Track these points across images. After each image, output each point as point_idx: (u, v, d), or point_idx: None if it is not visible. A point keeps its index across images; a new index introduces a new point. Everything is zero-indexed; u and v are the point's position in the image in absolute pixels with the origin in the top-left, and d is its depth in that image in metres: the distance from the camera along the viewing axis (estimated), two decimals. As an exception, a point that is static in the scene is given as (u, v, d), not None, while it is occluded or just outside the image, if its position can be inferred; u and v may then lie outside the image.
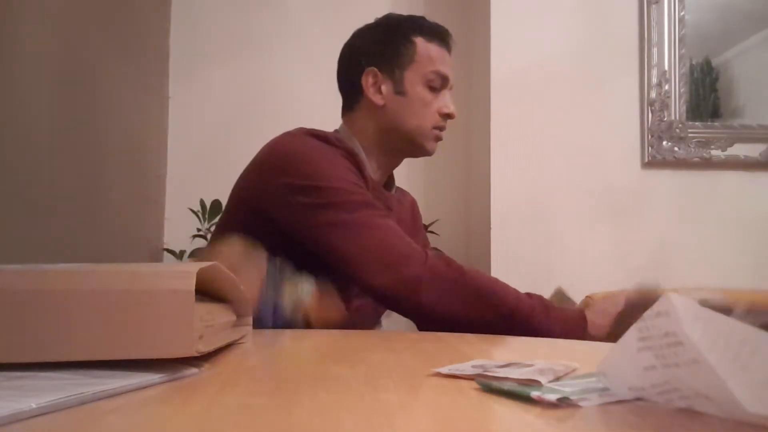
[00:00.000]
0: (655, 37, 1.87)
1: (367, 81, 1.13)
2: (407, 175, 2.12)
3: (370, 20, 2.21)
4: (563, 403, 0.37)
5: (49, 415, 0.34)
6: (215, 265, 0.54)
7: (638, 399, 0.37)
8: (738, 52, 1.96)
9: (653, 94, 1.87)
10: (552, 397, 0.37)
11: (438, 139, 1.15)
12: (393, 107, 1.13)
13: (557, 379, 0.43)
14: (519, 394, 0.39)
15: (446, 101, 1.13)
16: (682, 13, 1.89)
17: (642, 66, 1.88)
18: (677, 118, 1.88)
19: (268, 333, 0.82)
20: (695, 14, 1.90)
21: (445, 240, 2.00)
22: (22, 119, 1.11)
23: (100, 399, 0.38)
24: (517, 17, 1.86)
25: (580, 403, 0.37)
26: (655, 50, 1.87)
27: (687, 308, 0.33)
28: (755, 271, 1.83)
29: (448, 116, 1.14)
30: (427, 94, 1.12)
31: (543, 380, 0.41)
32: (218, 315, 0.58)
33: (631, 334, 0.36)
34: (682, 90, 1.88)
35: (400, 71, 1.12)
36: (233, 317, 0.64)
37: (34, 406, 0.34)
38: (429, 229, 1.94)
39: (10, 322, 0.45)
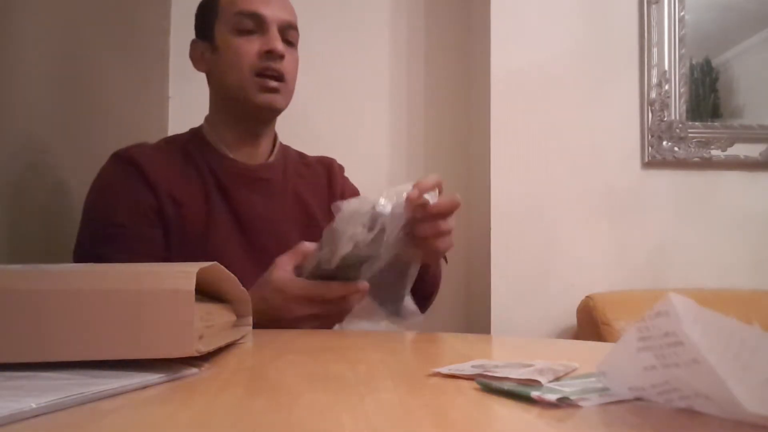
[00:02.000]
0: (655, 37, 1.87)
1: (193, 55, 1.08)
2: (407, 174, 2.12)
3: (369, 20, 2.20)
4: (563, 403, 0.37)
5: (49, 415, 0.34)
6: (215, 265, 0.54)
7: (638, 399, 0.37)
8: (738, 52, 1.96)
9: (653, 94, 1.87)
10: (552, 397, 0.37)
11: (264, 88, 1.01)
12: (213, 69, 1.06)
13: (557, 379, 0.43)
14: (519, 394, 0.39)
15: (266, 39, 1.00)
16: (682, 13, 1.89)
17: (642, 66, 1.88)
18: (677, 118, 1.87)
19: (268, 333, 0.82)
20: (695, 14, 1.90)
21: (445, 240, 2.00)
22: (21, 119, 1.11)
23: (100, 399, 0.38)
24: (517, 17, 1.86)
25: (580, 403, 0.37)
26: (655, 50, 1.87)
27: (687, 308, 0.33)
28: (755, 271, 1.84)
29: (270, 54, 1.00)
30: (235, 40, 1.01)
31: (543, 380, 0.41)
32: (218, 315, 0.58)
33: (631, 334, 0.36)
34: (682, 90, 1.88)
35: (210, 30, 1.04)
36: (233, 317, 0.64)
37: (34, 406, 0.34)
38: (429, 229, 1.94)
39: (10, 322, 0.45)
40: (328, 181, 1.19)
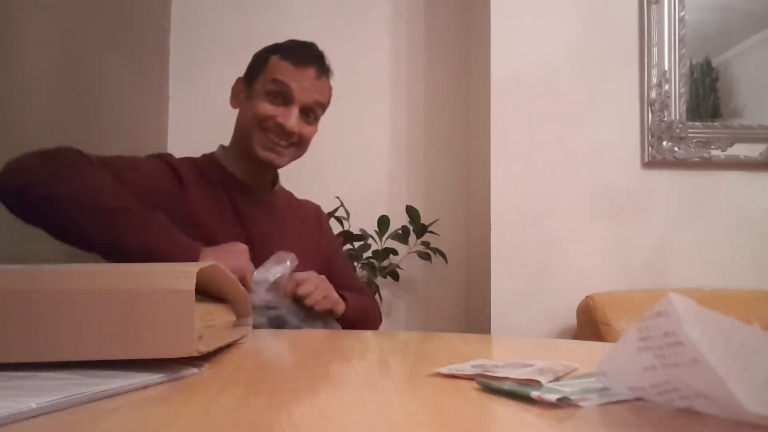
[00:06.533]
0: (655, 37, 1.87)
1: (234, 90, 1.24)
2: (407, 174, 2.13)
3: (369, 20, 2.21)
4: (563, 403, 0.37)
5: (49, 415, 0.34)
6: (215, 265, 0.54)
7: (638, 399, 0.37)
8: (738, 52, 1.96)
9: (653, 94, 1.87)
10: (552, 397, 0.37)
11: (266, 146, 1.16)
12: (240, 111, 1.21)
13: (557, 379, 0.43)
14: (519, 394, 0.39)
15: (285, 114, 1.14)
16: (682, 13, 1.89)
17: (642, 66, 1.88)
18: (677, 118, 1.87)
19: (268, 333, 0.82)
20: (695, 14, 1.90)
21: (445, 240, 2.01)
22: (21, 119, 1.11)
23: (100, 399, 0.38)
24: (517, 17, 1.86)
25: (580, 403, 0.37)
26: (655, 50, 1.87)
27: (687, 308, 0.33)
28: (755, 271, 1.83)
29: (281, 128, 1.14)
30: (263, 103, 1.15)
31: (543, 380, 0.41)
32: (218, 315, 0.58)
33: (631, 334, 0.36)
34: (682, 90, 1.88)
35: (254, 79, 1.19)
36: (233, 317, 0.64)
37: (34, 406, 0.34)
38: (429, 229, 1.94)
39: (10, 322, 0.45)
40: (318, 223, 1.37)
